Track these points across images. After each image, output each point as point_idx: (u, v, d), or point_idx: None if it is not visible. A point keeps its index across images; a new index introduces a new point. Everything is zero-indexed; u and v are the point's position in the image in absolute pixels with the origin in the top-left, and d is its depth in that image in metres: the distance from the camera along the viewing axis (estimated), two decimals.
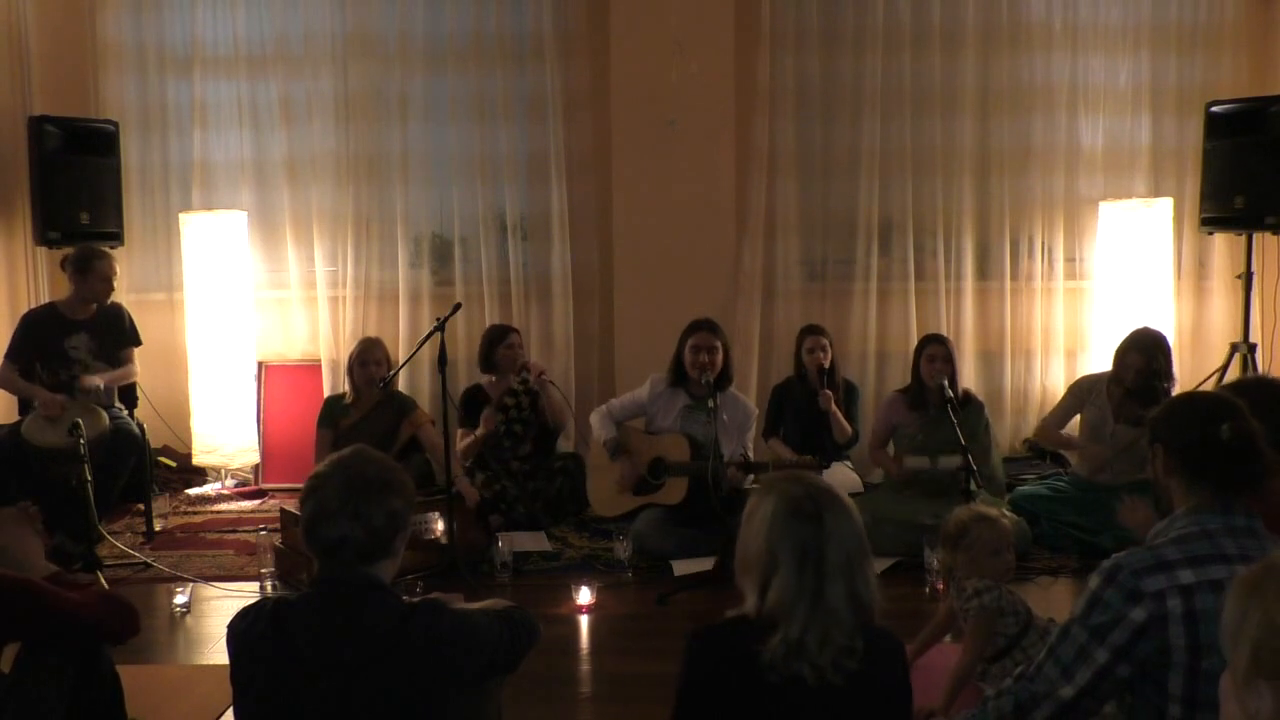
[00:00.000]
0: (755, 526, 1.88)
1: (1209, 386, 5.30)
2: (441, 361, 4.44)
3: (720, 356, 4.77)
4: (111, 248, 5.62)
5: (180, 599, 4.05)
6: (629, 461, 4.82)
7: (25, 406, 5.03)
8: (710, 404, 4.59)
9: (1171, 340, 5.66)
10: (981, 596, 2.99)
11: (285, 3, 6.01)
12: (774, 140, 5.92)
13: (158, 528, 5.07)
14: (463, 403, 5.16)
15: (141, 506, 5.12)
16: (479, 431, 5.03)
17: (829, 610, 1.80)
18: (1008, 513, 4.01)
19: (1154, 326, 4.81)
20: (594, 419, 4.99)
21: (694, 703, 1.88)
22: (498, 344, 5.20)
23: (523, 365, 5.13)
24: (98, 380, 4.85)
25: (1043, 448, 5.79)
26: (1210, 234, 5.78)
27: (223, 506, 5.57)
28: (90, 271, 4.95)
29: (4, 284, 5.71)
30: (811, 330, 5.29)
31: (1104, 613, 1.93)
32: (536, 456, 5.21)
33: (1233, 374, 5.57)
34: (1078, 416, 4.90)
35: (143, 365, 5.39)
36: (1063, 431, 4.92)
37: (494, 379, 5.23)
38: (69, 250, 5.29)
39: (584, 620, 3.94)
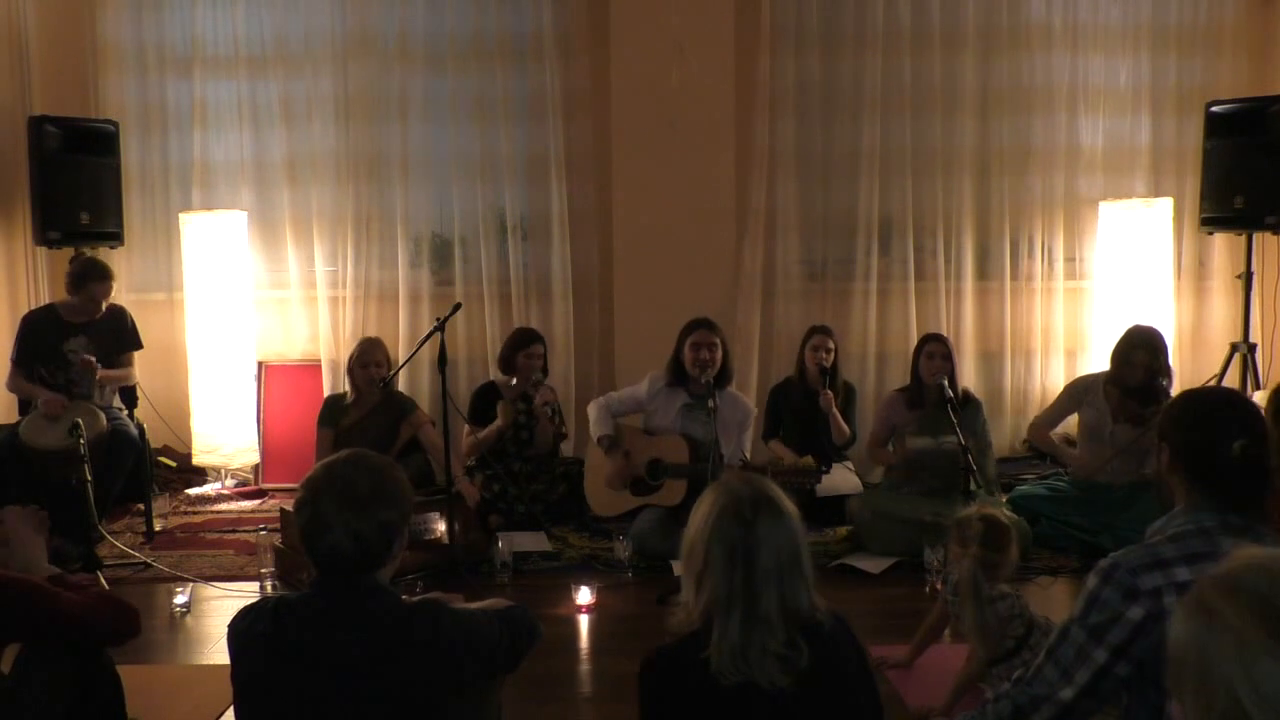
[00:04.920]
0: (695, 522, 1.92)
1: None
2: (441, 361, 4.44)
3: (719, 354, 4.77)
4: (111, 248, 5.63)
5: (180, 599, 4.04)
6: (621, 460, 4.80)
7: (24, 407, 5.03)
8: (710, 404, 4.59)
9: (1171, 340, 5.69)
10: (997, 605, 3.01)
11: (285, 3, 6.01)
12: (774, 140, 5.92)
13: (158, 528, 5.07)
14: (476, 399, 5.12)
15: (141, 506, 5.12)
16: (496, 423, 4.96)
17: (760, 619, 1.82)
18: (1008, 512, 4.01)
19: (1151, 325, 4.79)
20: (591, 410, 4.96)
21: None
22: (519, 349, 5.12)
23: (537, 383, 5.10)
24: (93, 359, 4.84)
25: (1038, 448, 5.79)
26: (1210, 234, 5.78)
27: (223, 506, 5.57)
28: (82, 290, 4.95)
29: (4, 284, 5.71)
30: (818, 330, 5.28)
31: (1102, 612, 1.93)
32: (540, 459, 5.20)
33: (1233, 374, 5.57)
34: (1072, 417, 4.89)
35: (143, 365, 5.39)
36: (1054, 434, 4.92)
37: (511, 380, 5.18)
38: (71, 251, 5.29)
39: (584, 620, 3.94)
